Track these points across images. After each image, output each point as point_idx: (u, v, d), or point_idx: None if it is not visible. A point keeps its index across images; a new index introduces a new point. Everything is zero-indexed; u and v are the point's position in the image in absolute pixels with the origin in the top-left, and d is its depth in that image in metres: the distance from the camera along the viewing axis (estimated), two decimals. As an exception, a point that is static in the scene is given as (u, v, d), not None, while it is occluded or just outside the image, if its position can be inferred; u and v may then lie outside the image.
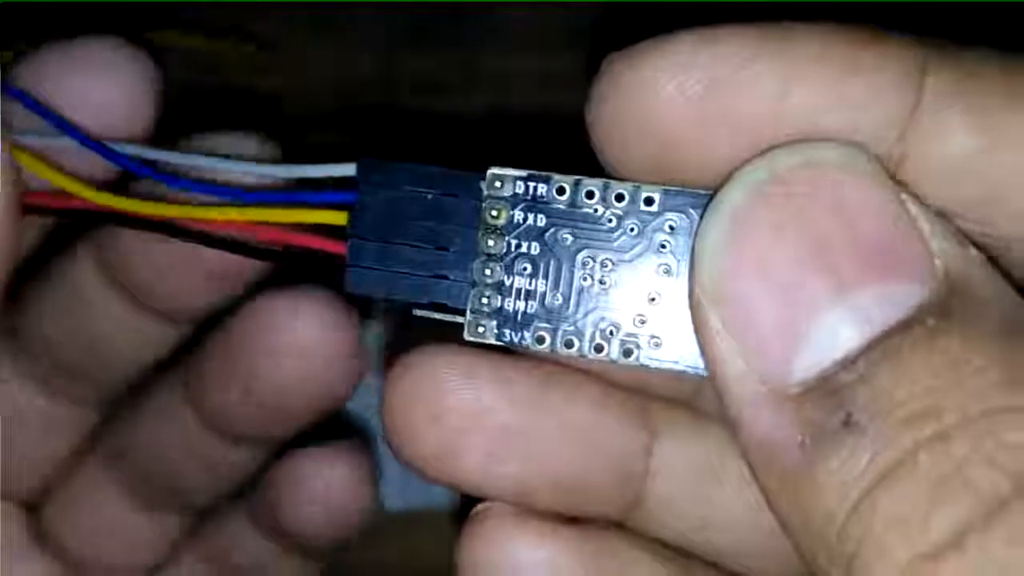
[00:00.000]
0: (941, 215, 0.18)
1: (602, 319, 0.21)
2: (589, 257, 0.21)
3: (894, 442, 0.16)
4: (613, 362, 0.21)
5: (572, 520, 0.23)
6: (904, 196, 0.18)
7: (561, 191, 0.21)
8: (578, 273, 0.21)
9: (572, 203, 0.21)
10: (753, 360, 0.18)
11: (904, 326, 0.17)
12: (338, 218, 0.22)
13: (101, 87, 0.24)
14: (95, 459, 0.30)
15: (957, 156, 0.18)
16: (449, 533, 0.24)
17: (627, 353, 0.21)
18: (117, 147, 0.23)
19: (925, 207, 0.18)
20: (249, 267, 0.27)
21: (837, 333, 0.17)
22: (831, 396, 0.17)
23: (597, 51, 0.20)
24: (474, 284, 0.21)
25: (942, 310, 0.17)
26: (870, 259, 0.18)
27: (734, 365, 0.18)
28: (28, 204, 0.23)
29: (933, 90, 0.18)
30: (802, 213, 0.18)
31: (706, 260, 0.19)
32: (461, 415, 0.22)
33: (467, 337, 0.22)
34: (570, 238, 0.21)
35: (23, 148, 0.23)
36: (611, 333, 0.21)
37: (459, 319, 0.22)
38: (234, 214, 0.23)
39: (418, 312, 0.22)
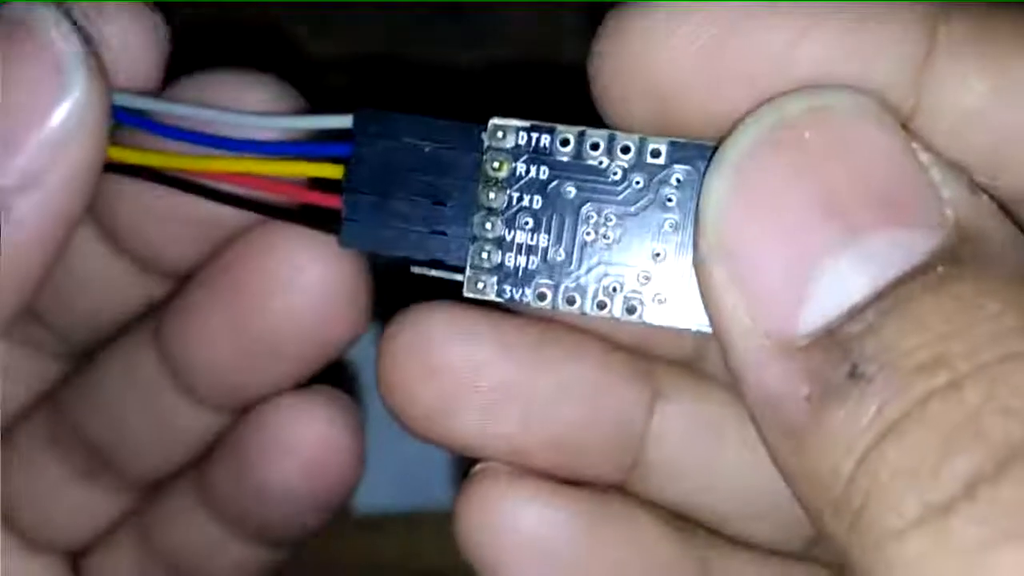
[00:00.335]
0: (952, 163, 0.18)
1: (605, 275, 0.20)
2: (593, 211, 0.20)
3: (903, 392, 0.16)
4: (616, 320, 0.20)
5: (570, 483, 0.23)
6: (914, 144, 0.18)
7: (565, 143, 0.20)
8: (581, 228, 0.20)
9: (576, 155, 0.20)
10: (758, 312, 0.18)
11: (914, 273, 0.17)
12: (335, 171, 0.22)
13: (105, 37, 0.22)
14: (45, 416, 0.28)
15: (970, 105, 0.18)
16: (449, 533, 0.23)
17: (630, 311, 0.20)
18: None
19: (935, 155, 0.18)
20: (239, 218, 0.25)
21: (845, 281, 0.17)
22: (838, 347, 0.17)
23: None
24: (474, 239, 0.21)
25: (953, 257, 0.17)
26: (879, 205, 0.17)
27: (739, 319, 0.18)
28: None
29: (946, 40, 0.18)
30: (810, 159, 0.17)
31: (711, 210, 0.18)
32: (457, 372, 0.22)
33: (466, 293, 0.21)
34: (573, 191, 0.20)
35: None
36: (614, 290, 0.20)
37: (457, 276, 0.21)
38: (227, 165, 0.22)
39: (415, 269, 0.22)
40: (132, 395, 0.27)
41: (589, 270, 0.20)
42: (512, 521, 0.22)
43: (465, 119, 0.21)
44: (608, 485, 0.23)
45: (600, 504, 0.23)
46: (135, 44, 0.23)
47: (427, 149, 0.21)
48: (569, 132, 0.20)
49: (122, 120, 0.23)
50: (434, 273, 0.21)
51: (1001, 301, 0.16)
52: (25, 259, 0.20)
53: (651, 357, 0.23)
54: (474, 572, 0.23)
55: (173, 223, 0.25)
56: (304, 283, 0.25)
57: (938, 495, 0.15)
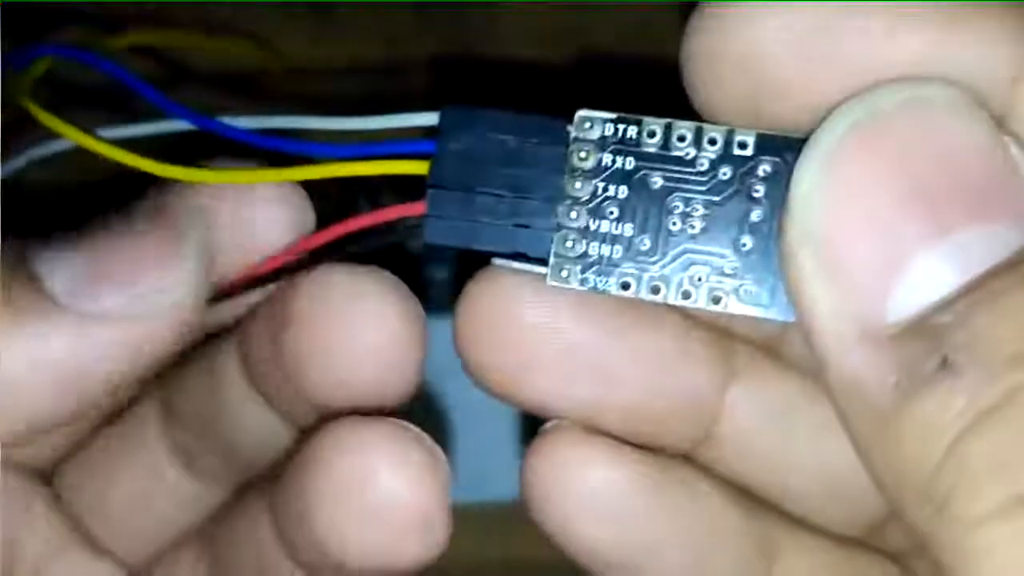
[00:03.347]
0: None
1: (690, 265, 0.20)
2: (679, 201, 0.20)
3: (994, 384, 0.16)
4: (700, 309, 0.20)
5: (639, 447, 0.23)
6: (1007, 139, 0.18)
7: (652, 134, 0.21)
8: (667, 218, 0.21)
9: (663, 146, 0.20)
10: (847, 300, 0.18)
11: (1004, 268, 0.17)
12: (419, 168, 0.22)
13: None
14: (200, 548, 0.28)
15: None
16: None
17: (715, 300, 0.20)
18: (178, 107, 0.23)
19: None
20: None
21: (935, 273, 0.17)
22: (928, 337, 0.17)
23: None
24: (559, 228, 0.21)
25: None
26: (971, 200, 0.17)
27: (826, 305, 0.18)
28: None
29: None
30: (903, 151, 0.18)
31: (801, 198, 0.18)
32: (535, 332, 0.22)
33: (550, 282, 0.21)
34: (660, 181, 0.21)
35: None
36: (699, 280, 0.20)
37: (540, 269, 0.21)
38: (314, 172, 0.23)
39: (497, 262, 0.22)
40: (250, 556, 0.26)
41: (674, 259, 0.20)
42: (580, 477, 0.22)
43: (549, 113, 0.21)
44: (677, 453, 0.23)
45: (668, 469, 0.23)
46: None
47: (511, 143, 0.21)
48: (656, 124, 0.21)
49: (201, 125, 0.23)
50: (516, 265, 0.22)
51: None
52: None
53: (731, 336, 0.23)
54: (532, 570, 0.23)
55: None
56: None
57: None
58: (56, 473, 0.27)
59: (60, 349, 0.21)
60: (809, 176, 0.18)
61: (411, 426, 0.23)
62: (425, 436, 0.23)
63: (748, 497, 0.24)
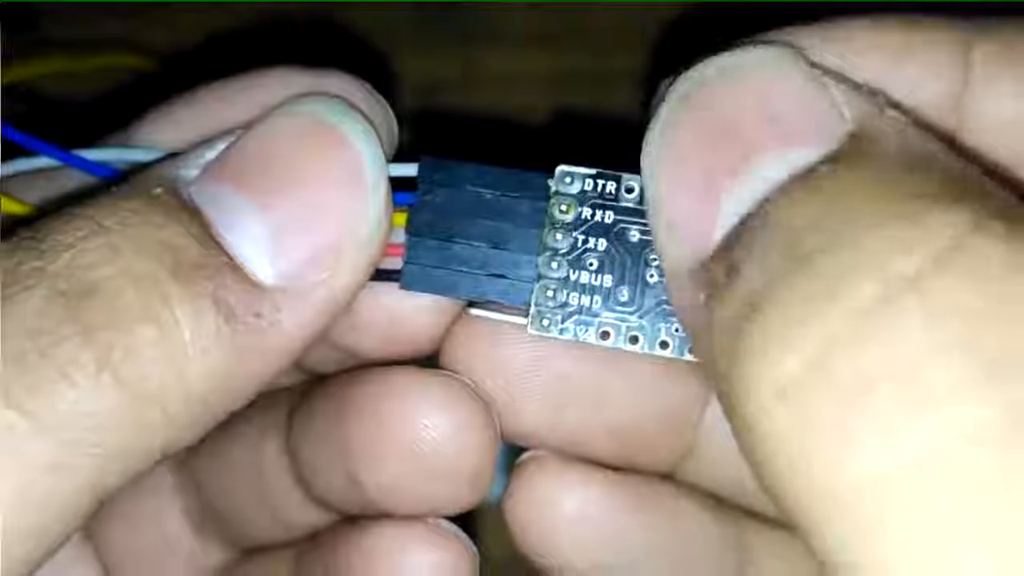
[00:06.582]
0: (864, 86, 0.19)
1: (668, 316, 0.21)
2: (656, 255, 0.21)
3: (764, 273, 0.16)
4: (677, 360, 0.21)
5: (617, 469, 0.23)
6: (825, 78, 0.19)
7: (630, 190, 0.21)
8: (644, 270, 0.21)
9: (641, 201, 0.21)
10: (682, 247, 0.18)
11: (796, 179, 0.17)
12: (398, 219, 0.22)
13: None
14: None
15: (1011, 118, 0.20)
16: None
17: (692, 351, 0.21)
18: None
19: (846, 82, 0.19)
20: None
21: (740, 199, 0.18)
22: (724, 257, 0.18)
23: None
24: (539, 278, 0.21)
25: (835, 161, 0.17)
26: (775, 130, 0.18)
27: (670, 256, 0.19)
28: None
29: (981, 61, 0.20)
30: (717, 106, 0.19)
31: (645, 175, 0.19)
32: (522, 363, 0.22)
33: (531, 331, 0.21)
34: (637, 235, 0.21)
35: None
36: (676, 330, 0.21)
37: (516, 319, 0.22)
38: None
39: (474, 312, 0.22)
40: (250, 476, 0.26)
41: (651, 310, 0.21)
42: (561, 505, 0.23)
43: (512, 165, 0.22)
44: (658, 473, 0.24)
45: (646, 490, 0.23)
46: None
47: (489, 196, 0.22)
48: (634, 180, 0.21)
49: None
50: (495, 316, 0.22)
51: (867, 196, 0.16)
52: (260, 366, 0.19)
53: None
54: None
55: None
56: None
57: (792, 364, 0.15)
58: None
59: (285, 335, 0.19)
60: (647, 155, 0.19)
61: (461, 377, 0.23)
62: (474, 388, 0.23)
63: (724, 505, 0.24)
